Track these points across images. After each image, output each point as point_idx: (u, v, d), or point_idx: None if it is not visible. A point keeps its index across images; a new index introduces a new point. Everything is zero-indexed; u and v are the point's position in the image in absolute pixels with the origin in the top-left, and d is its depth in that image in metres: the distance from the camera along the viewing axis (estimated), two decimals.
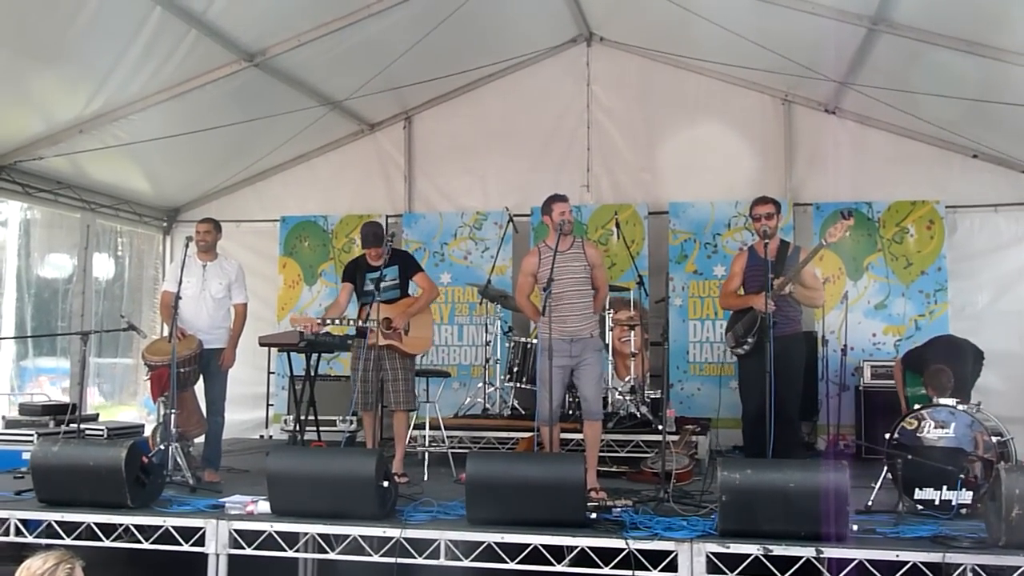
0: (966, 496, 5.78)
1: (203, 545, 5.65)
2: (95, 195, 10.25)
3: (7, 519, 5.92)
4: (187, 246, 7.37)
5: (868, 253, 9.79)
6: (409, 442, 7.65)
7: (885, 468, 6.08)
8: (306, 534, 5.60)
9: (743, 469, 5.23)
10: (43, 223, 9.94)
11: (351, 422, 9.21)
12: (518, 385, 8.72)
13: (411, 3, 8.43)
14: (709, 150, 10.35)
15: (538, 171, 10.65)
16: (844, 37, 8.10)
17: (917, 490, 5.92)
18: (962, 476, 5.79)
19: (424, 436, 7.94)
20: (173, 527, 5.74)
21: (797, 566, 4.93)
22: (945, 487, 5.85)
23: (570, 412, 8.02)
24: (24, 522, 5.93)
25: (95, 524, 5.82)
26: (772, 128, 10.42)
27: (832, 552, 4.91)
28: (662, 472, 6.55)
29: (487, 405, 9.20)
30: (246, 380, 9.89)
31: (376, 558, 5.44)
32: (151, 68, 8.17)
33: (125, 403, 11.17)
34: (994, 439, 5.86)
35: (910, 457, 5.92)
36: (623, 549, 5.14)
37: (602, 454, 7.36)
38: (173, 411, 6.92)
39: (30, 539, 5.88)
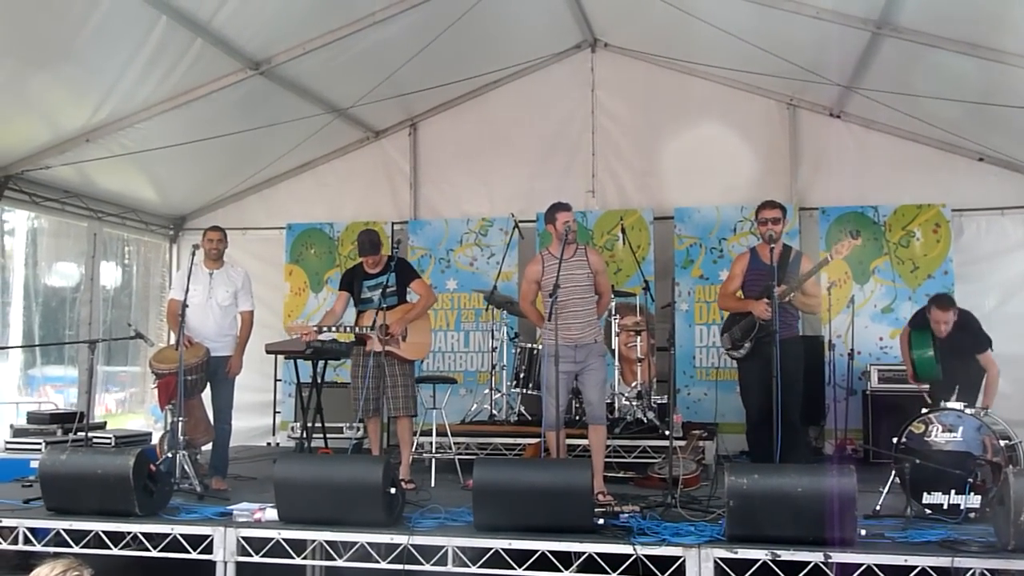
0: (975, 500, 5.76)
1: (211, 553, 5.65)
2: (102, 204, 10.28)
3: (16, 528, 5.93)
4: (194, 254, 7.38)
5: (874, 257, 9.78)
6: (416, 448, 7.67)
7: (893, 472, 6.07)
8: (313, 541, 5.60)
9: (750, 474, 5.22)
10: (50, 232, 9.96)
11: (358, 429, 9.22)
12: (524, 391, 8.73)
13: (416, 10, 8.45)
14: (714, 155, 10.34)
15: (543, 177, 10.68)
16: (848, 41, 8.11)
17: (925, 494, 5.90)
18: (970, 480, 5.77)
19: (431, 443, 7.94)
20: (181, 535, 5.75)
21: (805, 571, 4.92)
22: (953, 491, 5.84)
23: (576, 417, 8.02)
24: (32, 530, 5.94)
25: (103, 532, 5.83)
26: (777, 132, 10.42)
27: (840, 557, 4.90)
28: (669, 477, 6.54)
29: (494, 411, 9.20)
30: (253, 387, 9.92)
31: (383, 565, 5.43)
32: (157, 77, 8.21)
33: (133, 411, 11.19)
34: (1002, 443, 5.85)
35: (918, 461, 5.90)
36: (631, 555, 5.14)
37: (609, 460, 7.36)
38: (180, 419, 6.94)
39: (38, 547, 5.89)
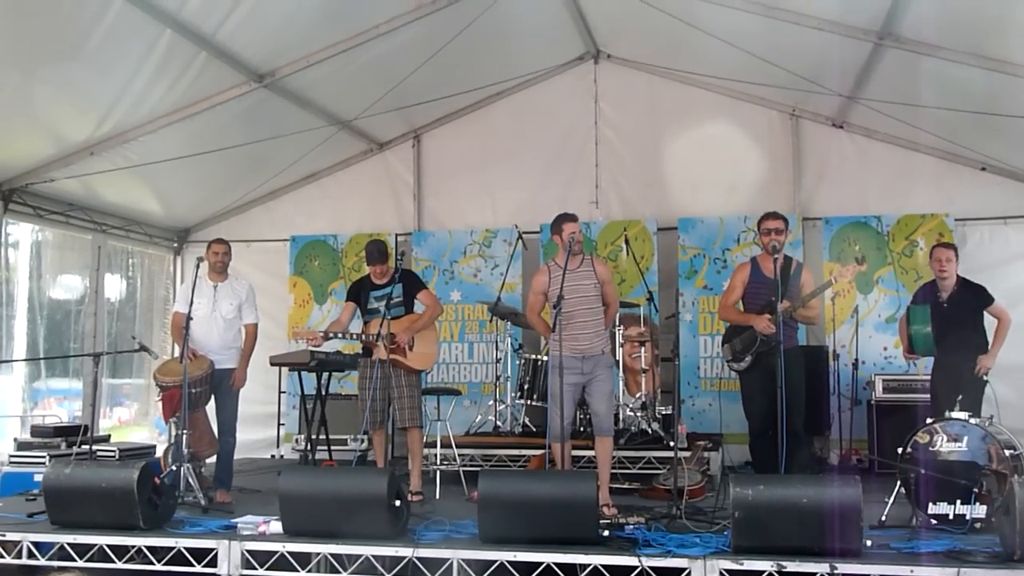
0: (980, 510, 5.75)
1: (215, 566, 5.66)
2: (106, 216, 10.30)
3: (20, 541, 5.93)
4: (198, 266, 7.40)
5: (878, 267, 9.77)
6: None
7: (898, 482, 6.06)
8: (318, 554, 5.59)
9: (755, 485, 5.22)
10: (54, 244, 9.98)
11: (362, 441, 9.23)
12: (529, 402, 8.72)
13: (419, 23, 8.47)
14: (717, 165, 10.36)
15: (547, 188, 10.69)
16: (851, 51, 8.13)
17: (931, 504, 5.90)
18: (976, 490, 5.76)
19: (436, 454, 7.93)
20: (185, 548, 5.75)
21: None
22: (959, 501, 5.83)
23: (581, 429, 8.02)
24: (37, 544, 5.94)
25: (107, 546, 5.83)
26: (780, 143, 10.43)
27: (846, 568, 4.90)
28: (674, 488, 6.54)
29: (498, 423, 9.19)
30: (257, 399, 9.89)
31: None
32: (161, 90, 8.23)
33: (137, 423, 11.19)
34: (1007, 452, 5.83)
35: (923, 471, 5.89)
36: (636, 566, 5.14)
37: (614, 471, 7.35)
38: (185, 431, 6.93)
39: (43, 562, 5.90)
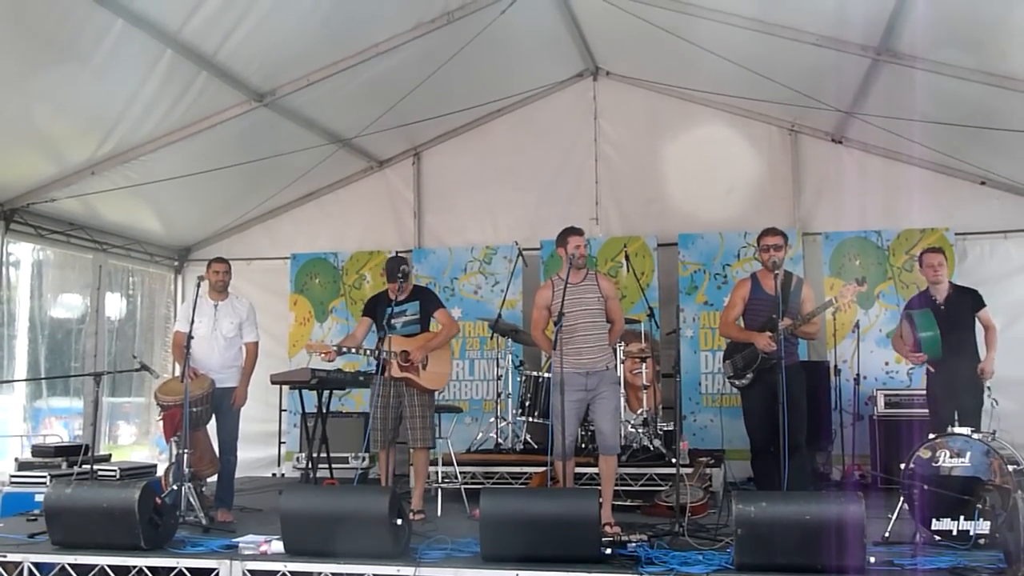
0: (984, 526, 5.72)
1: None
2: (107, 236, 10.31)
3: (21, 563, 5.90)
4: (199, 285, 7.40)
5: (879, 281, 9.78)
6: None
7: (901, 498, 6.05)
8: (320, 573, 5.56)
9: (758, 502, 5.20)
10: (55, 264, 9.98)
11: (363, 459, 9.21)
12: (530, 419, 8.69)
13: (418, 41, 8.52)
14: (717, 181, 10.39)
15: (547, 205, 10.71)
16: (849, 67, 8.16)
17: (934, 520, 5.87)
18: (979, 506, 5.74)
19: (437, 472, 7.91)
20: (187, 568, 5.73)
21: None
22: (962, 517, 5.81)
23: (583, 446, 8.00)
24: (37, 565, 5.91)
25: (109, 566, 5.81)
26: (779, 158, 10.46)
27: None
28: (677, 505, 6.52)
29: (499, 440, 9.16)
30: (258, 418, 9.91)
31: None
32: (162, 110, 8.26)
33: (138, 443, 11.17)
34: (1010, 467, 5.81)
35: (926, 487, 5.88)
36: None
37: (615, 488, 7.32)
38: (186, 451, 6.92)
39: None
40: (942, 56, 7.42)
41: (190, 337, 7.12)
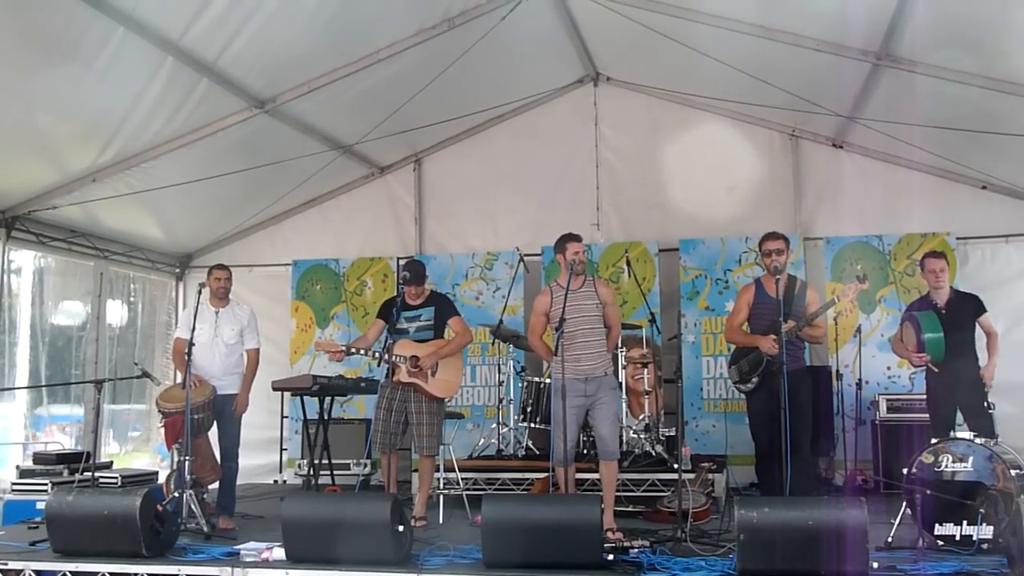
0: (987, 531, 5.72)
1: None
2: (108, 243, 10.32)
3: (22, 570, 5.89)
4: (200, 292, 7.39)
5: (880, 286, 9.77)
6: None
7: (904, 503, 6.04)
8: None
9: (760, 507, 5.19)
10: (57, 271, 9.99)
11: (365, 465, 9.20)
12: (532, 425, 8.68)
13: (419, 48, 8.53)
14: (718, 186, 10.38)
15: (548, 211, 10.70)
16: (849, 72, 8.15)
17: (937, 525, 5.87)
18: (982, 510, 5.73)
19: (439, 478, 7.90)
20: (188, 575, 5.72)
21: None
22: (965, 522, 5.80)
23: (584, 452, 7.99)
24: (39, 573, 5.90)
25: (110, 574, 5.80)
26: (780, 163, 10.45)
27: None
28: (679, 511, 6.51)
29: (501, 446, 9.16)
30: (260, 425, 9.90)
31: None
32: (163, 117, 8.27)
33: (139, 450, 11.17)
34: (1013, 472, 5.81)
35: (929, 492, 5.87)
36: None
37: (617, 493, 7.30)
38: (187, 458, 6.92)
39: None
40: (942, 60, 7.43)
41: (191, 344, 7.13)
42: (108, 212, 9.52)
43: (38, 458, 8.76)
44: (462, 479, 8.08)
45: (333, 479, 9.06)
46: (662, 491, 8.01)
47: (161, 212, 10.34)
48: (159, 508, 6.10)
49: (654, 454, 8.45)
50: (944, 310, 7.27)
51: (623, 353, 8.80)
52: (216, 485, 7.64)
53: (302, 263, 11.32)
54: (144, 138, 8.50)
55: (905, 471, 6.04)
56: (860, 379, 9.10)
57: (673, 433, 8.72)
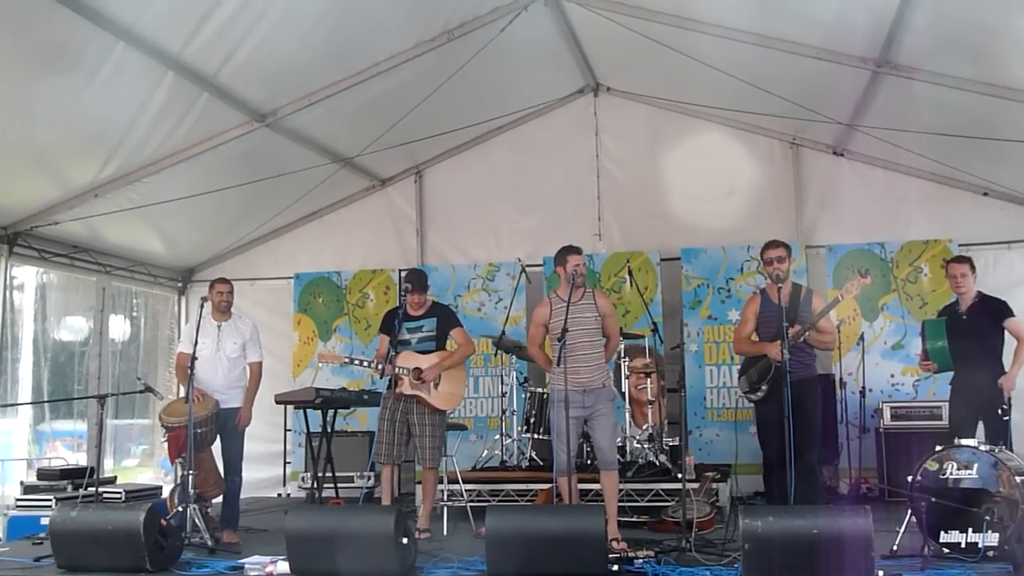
0: (992, 538, 5.69)
1: None
2: (110, 258, 10.32)
3: None
4: (202, 306, 7.39)
5: (883, 294, 9.75)
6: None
7: (909, 511, 6.02)
8: None
9: (765, 516, 5.19)
10: (59, 286, 10.00)
11: (368, 478, 9.19)
12: (535, 436, 8.68)
13: (419, 60, 8.55)
14: (719, 195, 10.38)
15: (549, 221, 10.70)
16: (849, 80, 8.16)
17: (942, 533, 5.84)
18: (987, 518, 5.71)
19: (443, 490, 7.89)
20: None
21: None
22: (971, 529, 5.78)
23: (587, 462, 7.98)
24: None
25: None
26: (781, 171, 10.46)
27: None
28: (683, 521, 6.49)
29: (505, 457, 9.15)
30: (263, 438, 9.90)
31: None
32: (164, 131, 8.28)
33: (143, 465, 11.16)
34: (1018, 479, 5.78)
35: (934, 499, 5.85)
36: None
37: (621, 504, 7.31)
38: (191, 472, 6.91)
39: None
40: (942, 67, 7.43)
41: (194, 358, 7.14)
42: (110, 227, 9.53)
43: (42, 474, 8.76)
44: (466, 491, 8.07)
45: (337, 492, 9.04)
46: (666, 501, 7.98)
47: (163, 226, 10.35)
48: (163, 523, 6.11)
49: (658, 464, 8.44)
50: (965, 315, 7.25)
51: (626, 363, 8.79)
52: (220, 499, 7.63)
53: (304, 276, 11.33)
54: (145, 153, 8.51)
55: (909, 479, 6.02)
56: (864, 387, 9.09)
57: (677, 443, 8.69)
